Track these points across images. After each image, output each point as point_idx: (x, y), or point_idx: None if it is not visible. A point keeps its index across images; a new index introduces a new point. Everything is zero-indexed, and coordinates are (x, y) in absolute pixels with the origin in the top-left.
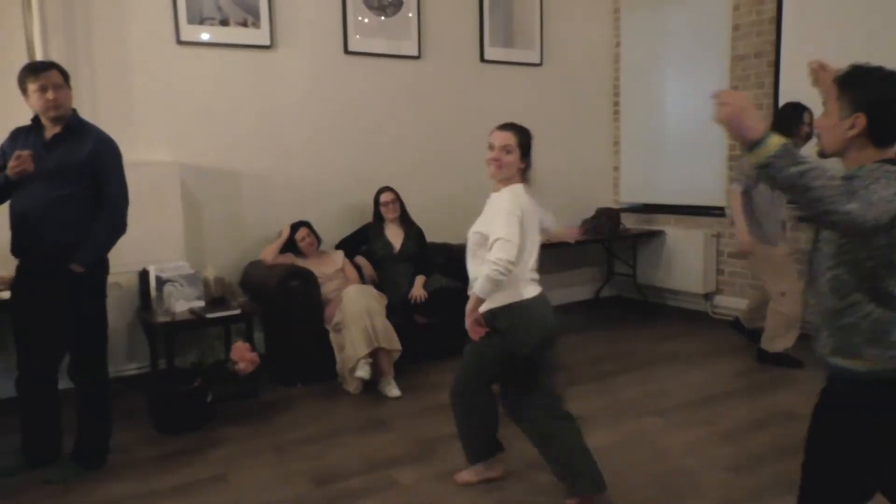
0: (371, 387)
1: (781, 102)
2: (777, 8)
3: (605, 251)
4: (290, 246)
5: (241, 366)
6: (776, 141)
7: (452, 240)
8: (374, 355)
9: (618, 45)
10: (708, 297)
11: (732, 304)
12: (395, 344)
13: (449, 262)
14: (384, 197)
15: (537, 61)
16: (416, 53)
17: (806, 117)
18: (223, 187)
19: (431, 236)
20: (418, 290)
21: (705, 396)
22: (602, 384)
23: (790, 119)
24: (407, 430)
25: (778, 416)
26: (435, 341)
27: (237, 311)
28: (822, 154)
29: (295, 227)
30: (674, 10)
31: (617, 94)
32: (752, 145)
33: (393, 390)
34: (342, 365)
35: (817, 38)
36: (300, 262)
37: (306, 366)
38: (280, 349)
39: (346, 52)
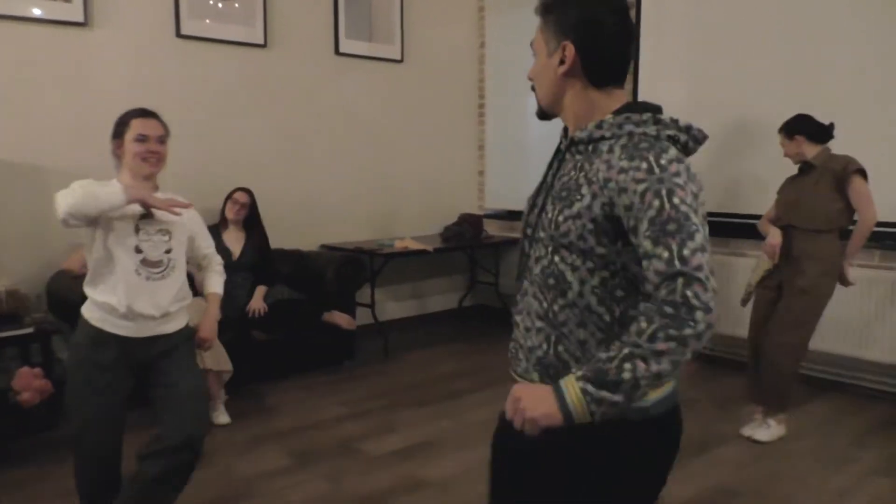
0: None
1: None
2: (636, 14)
3: (467, 259)
4: None
5: (26, 396)
6: (574, 394)
7: (305, 246)
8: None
9: (482, 45)
10: None
11: None
12: (225, 364)
13: (297, 271)
14: (237, 196)
15: (398, 57)
16: (261, 41)
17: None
18: (23, 184)
19: (279, 242)
20: (257, 303)
21: None
22: (452, 404)
23: None
24: (231, 466)
25: None
26: (275, 359)
27: (30, 330)
28: (541, 113)
29: None
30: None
31: (482, 97)
32: (568, 419)
33: (221, 417)
34: None
35: (673, 44)
36: None
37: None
38: None
39: (179, 35)
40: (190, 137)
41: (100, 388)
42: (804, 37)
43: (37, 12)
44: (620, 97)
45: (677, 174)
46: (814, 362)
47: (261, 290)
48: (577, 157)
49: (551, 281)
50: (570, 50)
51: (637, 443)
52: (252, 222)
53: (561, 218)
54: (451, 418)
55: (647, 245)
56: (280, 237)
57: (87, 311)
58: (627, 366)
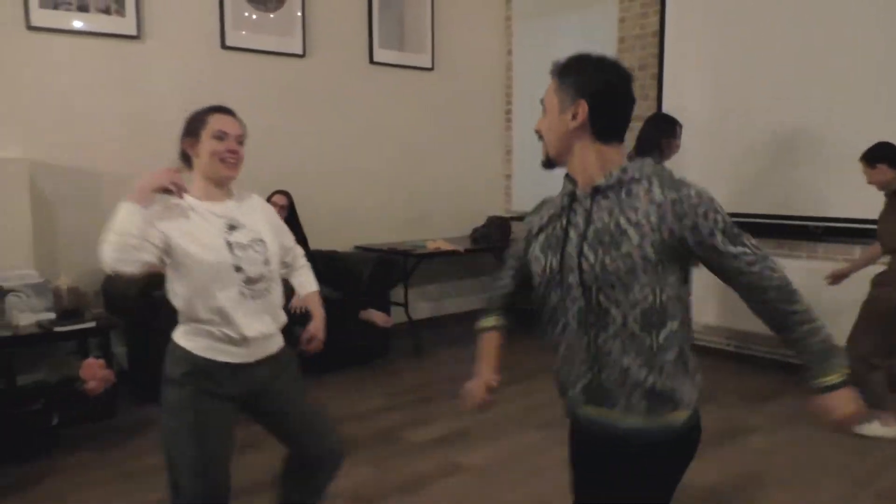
0: None
1: None
2: (660, 22)
3: (495, 260)
4: None
5: (92, 385)
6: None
7: (340, 247)
8: None
9: (510, 52)
10: None
11: None
12: None
13: (331, 271)
14: (275, 199)
15: (429, 66)
16: (301, 51)
17: (679, 131)
18: (82, 189)
19: (316, 243)
20: (298, 300)
21: None
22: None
23: (662, 130)
24: (277, 452)
25: None
26: (314, 355)
27: (91, 324)
28: (548, 163)
29: None
30: (564, 21)
31: (509, 103)
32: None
33: None
34: None
35: (696, 53)
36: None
37: None
38: (143, 365)
39: (224, 46)
40: None
41: (215, 425)
42: (826, 43)
43: (94, 27)
44: (622, 151)
45: (711, 199)
46: None
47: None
48: (604, 202)
49: (591, 318)
50: (584, 108)
51: (669, 459)
52: (291, 224)
53: (608, 259)
54: (482, 411)
55: (730, 248)
56: (316, 238)
57: (186, 340)
58: (819, 338)
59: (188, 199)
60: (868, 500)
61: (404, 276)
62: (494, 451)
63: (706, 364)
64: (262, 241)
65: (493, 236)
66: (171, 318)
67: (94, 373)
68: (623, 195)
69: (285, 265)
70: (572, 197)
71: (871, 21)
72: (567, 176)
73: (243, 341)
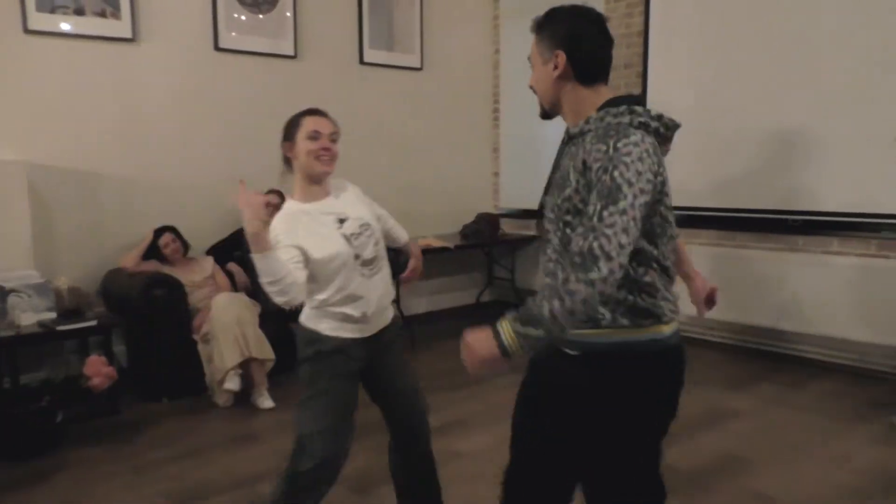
0: (243, 399)
1: None
2: (644, 22)
3: (485, 256)
4: (154, 253)
5: (96, 381)
6: (508, 333)
7: None
8: (246, 366)
9: (497, 52)
10: None
11: None
12: (268, 353)
13: None
14: (270, 198)
15: (418, 65)
16: (292, 53)
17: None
18: (80, 190)
19: None
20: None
21: None
22: (479, 388)
23: None
24: (278, 443)
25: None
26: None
27: (93, 323)
28: (543, 114)
29: (159, 233)
30: None
31: (497, 101)
32: (505, 354)
33: (265, 401)
34: (211, 377)
35: (680, 52)
36: (166, 270)
37: (172, 379)
38: (144, 362)
39: (217, 48)
40: (225, 144)
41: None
42: (809, 41)
43: (90, 30)
44: (605, 93)
45: (627, 154)
46: (811, 345)
47: None
48: (571, 148)
49: (551, 252)
50: (562, 57)
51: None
52: None
53: (559, 201)
54: (479, 400)
55: (587, 207)
56: None
57: (314, 322)
58: (545, 304)
59: (297, 205)
60: (846, 478)
61: (396, 273)
62: (492, 437)
63: (689, 353)
64: (368, 224)
65: (484, 233)
66: (170, 316)
67: (97, 369)
68: (581, 142)
69: (391, 240)
70: (564, 140)
71: (853, 17)
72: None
73: (366, 318)
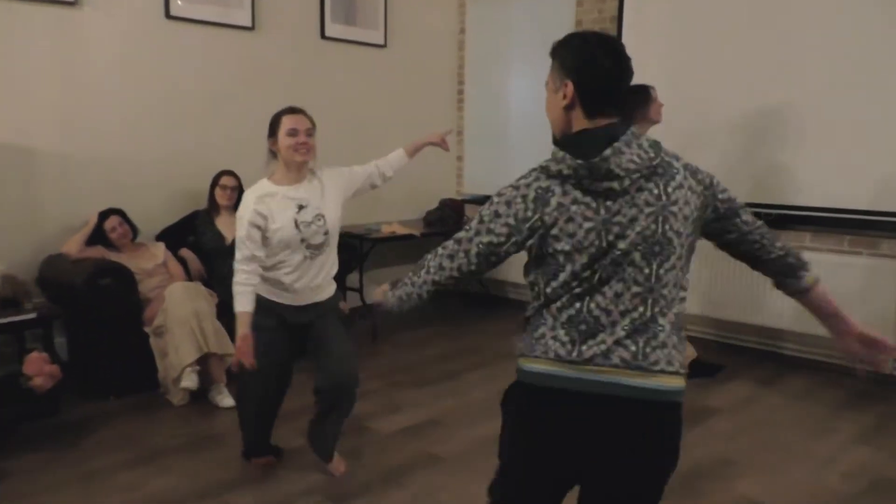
0: (199, 396)
1: None
2: (619, 7)
3: None
4: (99, 238)
5: (38, 381)
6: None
7: None
8: (204, 361)
9: (462, 31)
10: None
11: None
12: (228, 347)
13: None
14: (224, 180)
15: (381, 42)
16: (249, 24)
17: (653, 93)
18: (14, 168)
19: None
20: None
21: None
22: (451, 384)
23: (636, 103)
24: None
25: None
26: None
27: (32, 315)
28: (555, 140)
29: (104, 216)
30: (519, 1)
31: (461, 83)
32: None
33: (225, 399)
34: (165, 374)
35: (655, 38)
36: (113, 256)
37: (121, 375)
38: (88, 357)
39: (168, 16)
40: (176, 120)
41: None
42: (788, 27)
43: None
44: (600, 124)
45: (501, 195)
46: (788, 342)
47: None
48: None
49: None
50: (570, 87)
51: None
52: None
53: None
54: (453, 397)
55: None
56: None
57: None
58: (407, 278)
59: (269, 186)
60: (834, 481)
61: (359, 261)
62: (468, 439)
63: None
64: (322, 216)
65: (448, 220)
66: (118, 307)
67: (39, 368)
68: None
69: (381, 177)
70: None
71: (834, 6)
72: None
73: (294, 289)
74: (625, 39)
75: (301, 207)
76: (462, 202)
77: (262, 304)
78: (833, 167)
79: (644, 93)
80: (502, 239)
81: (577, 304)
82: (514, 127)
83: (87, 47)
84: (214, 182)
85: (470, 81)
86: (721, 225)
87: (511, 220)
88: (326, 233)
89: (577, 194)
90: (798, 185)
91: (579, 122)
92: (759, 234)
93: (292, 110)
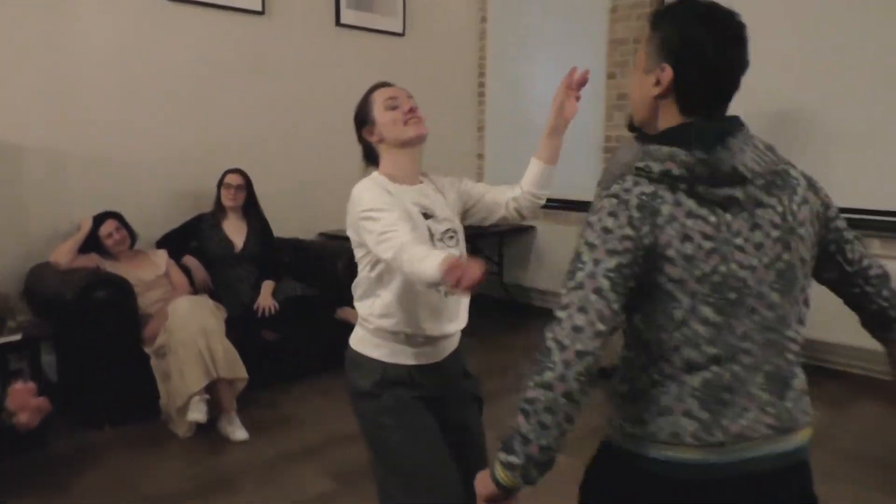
0: (208, 427)
1: None
2: None
3: (468, 249)
4: (93, 245)
5: (24, 418)
6: (498, 465)
7: (303, 234)
8: (212, 387)
9: (484, 20)
10: None
11: None
12: (240, 371)
13: (297, 262)
14: (229, 178)
15: (399, 31)
16: (259, 8)
17: None
18: None
19: (276, 230)
20: (266, 300)
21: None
22: (490, 409)
23: None
24: (262, 490)
25: None
26: (284, 361)
27: (16, 338)
28: (632, 126)
29: (99, 220)
30: None
31: (482, 75)
32: (502, 489)
33: (237, 432)
34: (168, 400)
35: None
36: (108, 266)
37: (117, 401)
38: (80, 380)
39: None
40: (178, 113)
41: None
42: (815, 25)
43: None
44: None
45: (600, 209)
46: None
47: (269, 286)
48: None
49: None
50: (668, 74)
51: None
52: (251, 208)
53: None
54: (496, 427)
55: None
56: (275, 224)
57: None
58: (514, 424)
59: (383, 180)
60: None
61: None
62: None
63: None
64: (454, 232)
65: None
66: (116, 323)
67: (24, 401)
68: None
69: (504, 205)
70: None
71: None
72: None
73: (431, 341)
74: None
75: (427, 216)
76: None
77: (386, 372)
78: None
79: None
80: (629, 257)
81: (715, 366)
82: (539, 123)
83: (79, 32)
84: (220, 182)
85: (492, 74)
86: (819, 263)
87: (629, 231)
88: (462, 256)
89: (692, 204)
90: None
91: (671, 117)
92: (863, 280)
93: (380, 84)
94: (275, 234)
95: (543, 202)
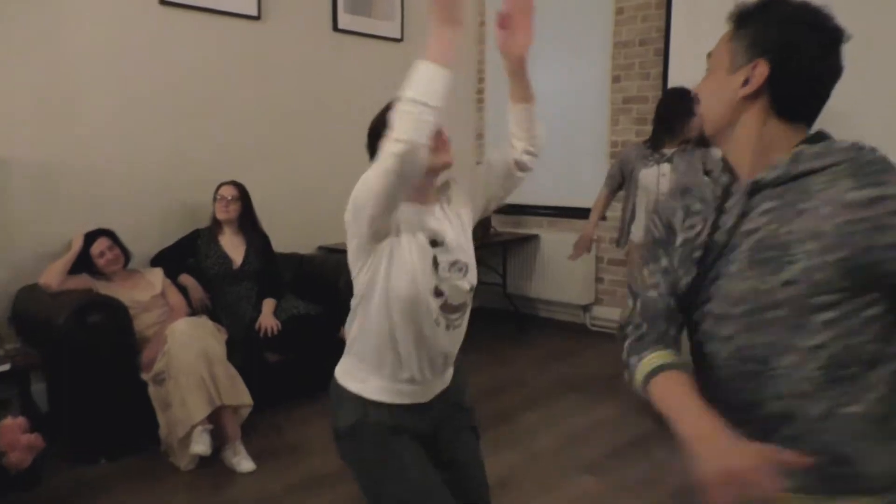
0: (211, 457)
1: None
2: None
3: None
4: (85, 264)
5: (14, 457)
6: None
7: (303, 249)
8: (215, 415)
9: (482, 23)
10: (586, 308)
11: (613, 315)
12: (244, 398)
13: (298, 278)
14: (223, 191)
15: (398, 36)
16: (255, 13)
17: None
18: None
19: (275, 243)
20: (269, 319)
21: (632, 439)
22: (508, 428)
23: (676, 109)
24: None
25: None
26: (289, 383)
27: (5, 368)
28: (701, 140)
29: (91, 238)
30: None
31: (481, 81)
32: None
33: (243, 463)
34: (168, 431)
35: (710, 26)
36: (101, 287)
37: (113, 433)
38: (73, 410)
39: (164, 2)
40: (172, 122)
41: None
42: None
43: None
44: (801, 135)
45: None
46: None
47: (270, 304)
48: (767, 203)
49: (750, 366)
50: (763, 70)
51: None
52: (248, 222)
53: (766, 287)
54: (516, 449)
55: None
56: (273, 237)
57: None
58: None
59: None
60: None
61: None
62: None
63: None
64: (465, 266)
65: (476, 231)
66: (111, 349)
67: (14, 440)
68: (793, 194)
69: (508, 165)
70: (727, 193)
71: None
72: (723, 160)
73: (423, 380)
74: (674, 28)
75: (435, 244)
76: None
77: (367, 412)
78: None
79: (691, 103)
80: None
81: None
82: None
83: (69, 37)
84: (215, 194)
85: (492, 78)
86: None
87: None
88: (471, 288)
89: None
90: None
91: (756, 122)
92: None
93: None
94: (275, 249)
95: (528, 144)
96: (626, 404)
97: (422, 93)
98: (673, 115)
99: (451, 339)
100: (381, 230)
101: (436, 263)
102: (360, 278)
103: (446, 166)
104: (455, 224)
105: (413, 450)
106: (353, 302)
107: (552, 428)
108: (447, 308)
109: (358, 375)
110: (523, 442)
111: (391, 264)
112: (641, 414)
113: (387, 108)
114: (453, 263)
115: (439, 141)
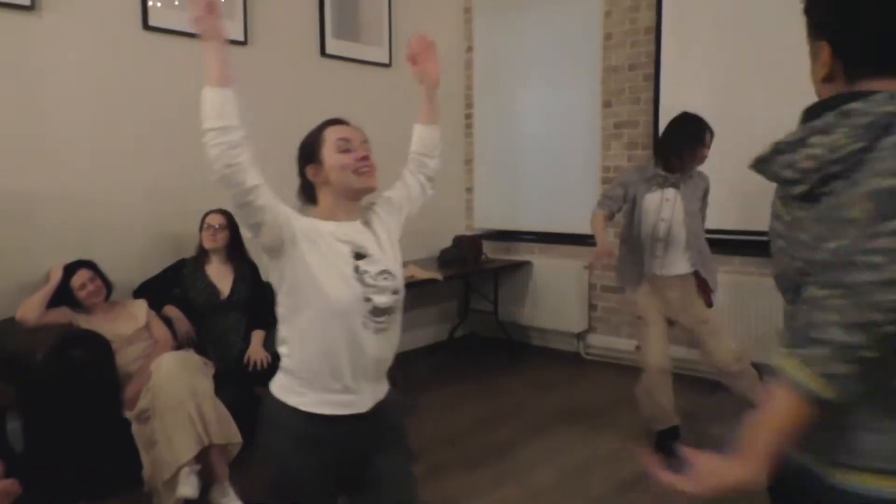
0: (199, 498)
1: (662, 119)
2: (656, 16)
3: (463, 285)
4: (65, 297)
5: None
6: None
7: None
8: (203, 453)
9: (470, 49)
10: (580, 336)
11: (607, 343)
12: (234, 436)
13: None
14: (210, 219)
15: (386, 61)
16: (241, 38)
17: (708, 139)
18: None
19: (264, 274)
20: (258, 352)
21: (637, 473)
22: (505, 463)
23: (688, 135)
24: None
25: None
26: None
27: None
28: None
29: (71, 270)
30: (536, 14)
31: (469, 106)
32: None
33: (232, 503)
34: (153, 471)
35: (699, 50)
36: (82, 321)
37: (94, 474)
38: (52, 450)
39: (147, 27)
40: (155, 147)
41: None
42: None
43: None
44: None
45: None
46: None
47: (259, 336)
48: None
49: None
50: (826, 52)
51: None
52: (236, 251)
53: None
54: (514, 482)
55: None
56: (262, 267)
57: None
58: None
59: (312, 221)
60: None
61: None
62: None
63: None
64: (390, 273)
65: (467, 258)
66: (92, 386)
67: None
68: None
69: (422, 177)
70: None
71: None
72: None
73: (358, 389)
74: (664, 53)
75: (359, 256)
76: (480, 238)
77: (307, 429)
78: None
79: (704, 132)
80: None
81: None
82: (529, 154)
83: (48, 62)
84: (202, 223)
85: (479, 104)
86: None
87: None
88: (396, 292)
89: None
90: None
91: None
92: None
93: (335, 121)
94: (264, 279)
95: (437, 161)
96: (628, 435)
97: (203, 120)
98: (685, 142)
99: (381, 344)
100: (267, 243)
101: (362, 273)
102: (283, 295)
103: (371, 190)
104: (382, 237)
105: (318, 479)
106: (280, 319)
107: (552, 461)
108: (375, 312)
109: (296, 389)
110: (523, 477)
111: (316, 277)
112: (643, 445)
113: (322, 127)
114: (380, 273)
115: (366, 165)
